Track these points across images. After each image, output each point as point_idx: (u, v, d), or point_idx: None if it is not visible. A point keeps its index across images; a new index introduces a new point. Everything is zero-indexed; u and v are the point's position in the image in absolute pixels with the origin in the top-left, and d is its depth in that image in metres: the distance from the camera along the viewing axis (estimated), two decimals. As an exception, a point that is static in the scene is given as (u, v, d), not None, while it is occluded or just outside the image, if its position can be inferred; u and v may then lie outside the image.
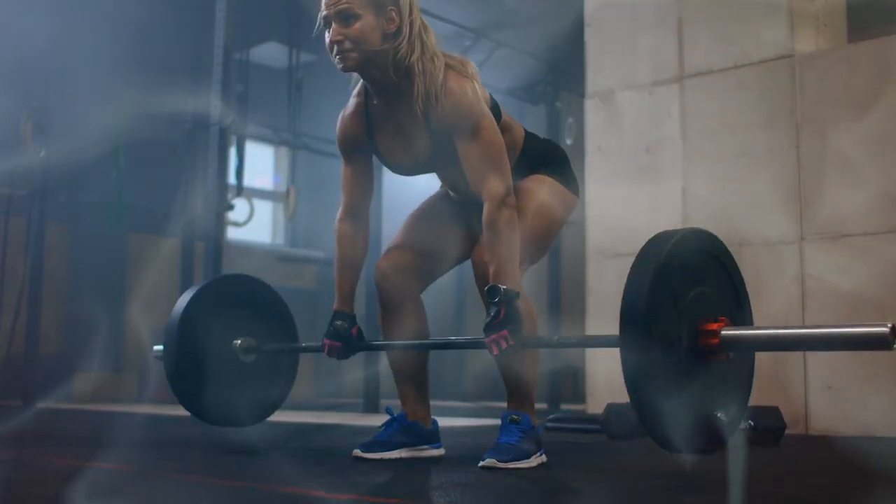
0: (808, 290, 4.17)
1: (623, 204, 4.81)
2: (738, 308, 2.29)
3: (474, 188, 2.52)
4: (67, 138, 7.64)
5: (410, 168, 2.74)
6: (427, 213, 2.91)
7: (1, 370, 7.39)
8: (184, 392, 3.06)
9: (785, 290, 4.22)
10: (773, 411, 3.63)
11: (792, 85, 4.34)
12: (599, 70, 5.08)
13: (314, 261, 10.06)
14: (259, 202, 9.84)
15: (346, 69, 2.54)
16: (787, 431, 3.69)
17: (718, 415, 2.15)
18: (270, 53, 9.62)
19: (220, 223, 5.77)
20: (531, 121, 8.67)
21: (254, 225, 9.00)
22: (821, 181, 4.19)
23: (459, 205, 2.87)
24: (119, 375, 8.31)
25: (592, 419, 4.08)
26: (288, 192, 8.29)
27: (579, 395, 6.97)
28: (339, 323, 2.78)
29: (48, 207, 7.32)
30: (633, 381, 1.97)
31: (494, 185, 2.47)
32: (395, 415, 2.82)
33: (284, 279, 9.56)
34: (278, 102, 8.58)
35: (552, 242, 2.77)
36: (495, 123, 2.55)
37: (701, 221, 4.50)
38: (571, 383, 8.62)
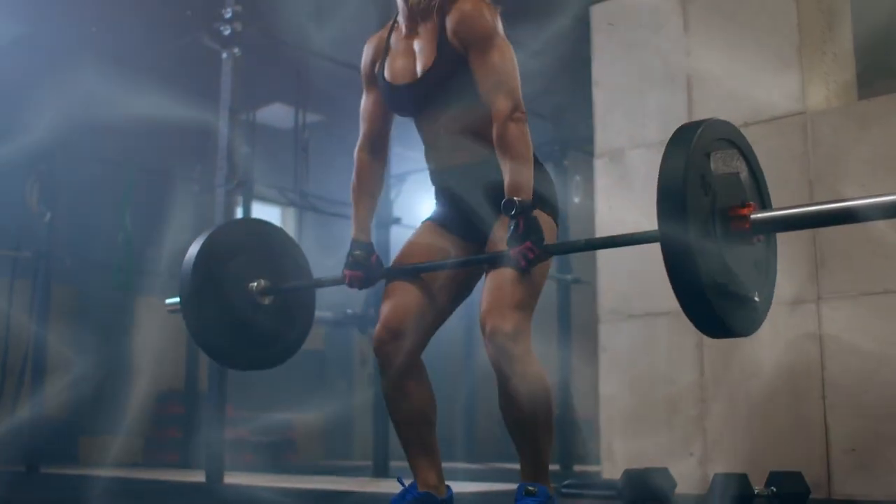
0: (826, 351, 4.08)
1: (635, 264, 4.74)
2: (759, 195, 2.37)
3: (485, 102, 2.57)
4: (74, 201, 7.64)
5: (405, 93, 2.73)
6: (413, 252, 2.80)
7: (4, 434, 7.30)
8: (208, 341, 3.02)
9: (802, 351, 4.13)
10: (796, 476, 3.53)
11: (804, 142, 4.29)
12: (608, 128, 5.05)
13: (322, 321, 9.98)
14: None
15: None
16: (810, 496, 3.59)
17: (755, 297, 2.23)
18: (276, 114, 9.64)
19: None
20: (538, 179, 8.68)
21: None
22: (836, 239, 4.12)
23: (440, 228, 2.80)
24: (125, 439, 8.20)
25: (610, 485, 3.98)
26: (295, 253, 8.23)
27: (591, 454, 6.87)
28: (357, 252, 2.83)
29: (54, 270, 7.28)
30: (677, 268, 2.07)
31: (502, 103, 2.54)
32: (407, 486, 2.74)
33: (292, 340, 9.49)
34: (285, 163, 8.57)
35: (546, 276, 2.67)
36: (508, 44, 2.61)
37: (715, 281, 4.46)
38: (582, 441, 8.50)
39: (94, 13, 6.85)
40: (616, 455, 4.71)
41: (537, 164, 2.71)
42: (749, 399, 4.29)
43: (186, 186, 8.38)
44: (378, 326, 2.71)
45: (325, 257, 9.52)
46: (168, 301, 3.16)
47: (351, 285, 2.84)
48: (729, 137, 2.31)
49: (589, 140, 5.27)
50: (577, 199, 8.44)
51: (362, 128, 2.89)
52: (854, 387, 3.97)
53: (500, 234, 2.56)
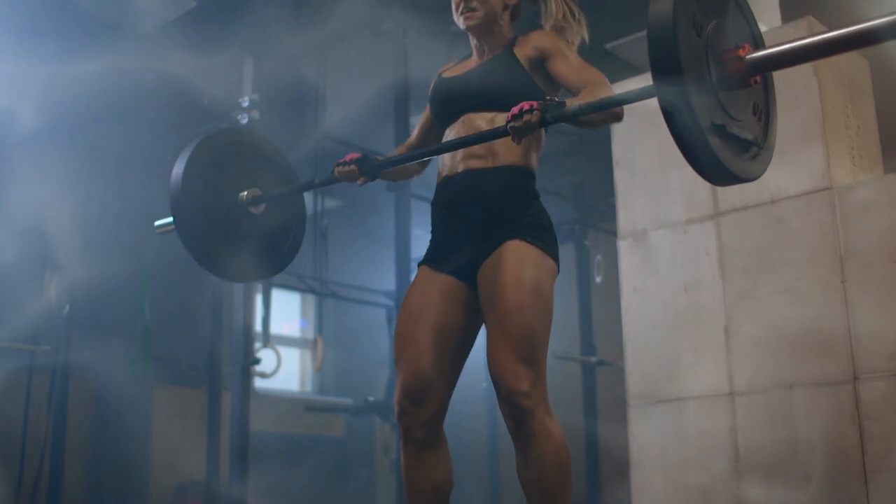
0: (865, 433, 3.93)
1: (663, 347, 4.62)
2: (753, 37, 2.30)
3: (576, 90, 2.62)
4: (92, 292, 7.60)
5: (454, 83, 2.78)
6: (415, 316, 2.69)
7: (23, 530, 7.17)
8: (205, 255, 2.99)
9: (841, 432, 3.98)
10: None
11: (833, 218, 4.19)
12: (630, 209, 4.96)
13: (343, 409, 9.85)
14: (286, 349, 9.69)
15: (468, 25, 2.77)
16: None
17: (756, 141, 2.22)
18: (295, 200, 9.62)
19: (247, 376, 5.63)
20: (559, 260, 8.62)
21: (281, 373, 8.85)
22: (871, 316, 4.00)
23: (434, 273, 2.72)
24: (144, 534, 8.05)
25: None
26: (315, 341, 8.15)
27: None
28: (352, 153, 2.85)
29: (72, 362, 7.23)
30: (673, 113, 2.01)
31: (594, 75, 2.62)
32: None
33: (312, 428, 9.35)
34: (304, 249, 8.50)
35: (552, 316, 2.59)
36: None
37: (747, 362, 4.33)
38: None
39: (111, 102, 6.87)
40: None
41: (538, 200, 2.69)
42: (786, 484, 4.12)
43: (204, 275, 8.32)
44: (397, 394, 2.63)
45: (346, 344, 9.45)
46: (158, 223, 3.15)
47: (341, 178, 2.80)
48: None
49: (609, 217, 5.20)
50: (598, 279, 8.35)
51: (412, 133, 3.01)
52: (897, 472, 3.82)
53: (497, 279, 2.50)
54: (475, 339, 2.74)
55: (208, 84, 5.90)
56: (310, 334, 10.10)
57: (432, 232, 2.79)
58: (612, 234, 5.20)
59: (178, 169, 2.98)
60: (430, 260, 2.76)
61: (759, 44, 2.29)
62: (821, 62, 4.38)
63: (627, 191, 5.00)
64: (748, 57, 2.14)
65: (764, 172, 2.29)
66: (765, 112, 2.33)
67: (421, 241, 7.13)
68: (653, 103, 4.88)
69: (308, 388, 10.74)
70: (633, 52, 6.68)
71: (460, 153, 2.70)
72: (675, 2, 2.02)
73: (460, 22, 2.79)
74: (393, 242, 7.19)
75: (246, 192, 3.04)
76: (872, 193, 4.14)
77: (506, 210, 2.61)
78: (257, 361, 6.12)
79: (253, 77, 6.29)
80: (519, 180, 2.67)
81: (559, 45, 2.69)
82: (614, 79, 4.75)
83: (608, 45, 6.46)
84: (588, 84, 2.57)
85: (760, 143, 2.26)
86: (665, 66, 2.00)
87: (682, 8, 2.02)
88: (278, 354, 7.77)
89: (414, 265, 7.51)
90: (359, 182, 2.79)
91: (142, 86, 6.81)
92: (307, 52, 6.89)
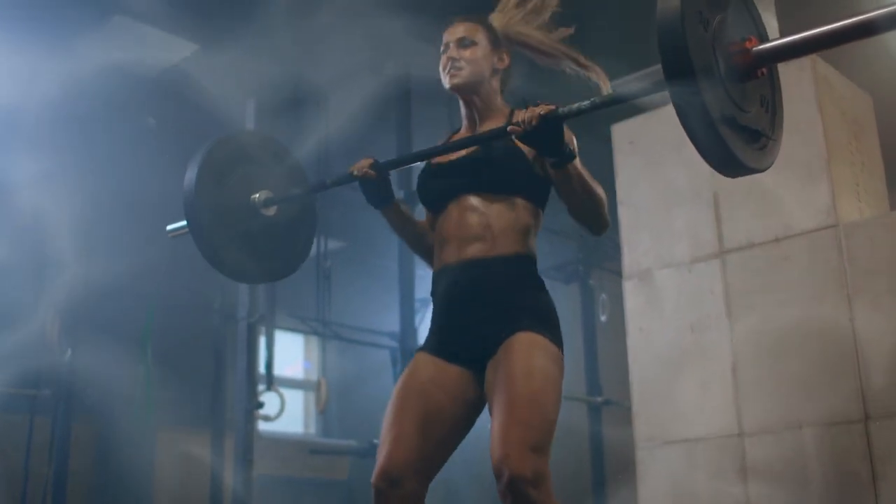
0: (878, 473, 3.87)
1: (670, 387, 4.57)
2: (757, 29, 2.31)
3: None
4: (94, 336, 7.56)
5: (449, 169, 2.67)
6: (404, 402, 2.58)
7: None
8: (219, 258, 2.99)
9: (851, 472, 3.93)
10: None
11: (839, 255, 4.16)
12: (635, 248, 4.92)
13: (348, 451, 9.77)
14: (290, 391, 9.63)
15: (453, 84, 2.71)
16: None
17: (765, 132, 2.26)
18: (298, 241, 9.60)
19: (250, 420, 5.58)
20: (564, 299, 8.57)
21: (285, 414, 8.78)
22: (881, 355, 3.95)
23: (434, 359, 2.60)
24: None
25: None
26: (319, 383, 8.09)
27: None
28: None
29: (73, 407, 7.18)
30: (683, 105, 2.04)
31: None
32: None
33: (316, 471, 9.27)
34: (307, 290, 8.49)
35: (559, 404, 2.48)
36: None
37: (755, 401, 4.28)
38: None
39: (113, 146, 6.88)
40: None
41: (544, 290, 2.60)
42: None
43: (207, 318, 8.30)
44: (374, 476, 2.49)
45: (350, 386, 9.38)
46: (170, 227, 3.15)
47: (354, 174, 2.75)
48: None
49: (613, 257, 5.17)
50: (603, 318, 8.30)
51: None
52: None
53: (505, 367, 2.42)
54: (469, 429, 2.61)
55: (210, 127, 5.88)
56: (314, 376, 10.05)
57: (432, 321, 2.67)
58: (617, 272, 5.16)
59: (190, 172, 2.98)
60: (430, 348, 2.64)
61: (763, 37, 2.31)
62: (824, 98, 4.38)
63: (632, 230, 4.97)
64: (754, 49, 2.18)
65: (773, 163, 2.33)
66: (771, 104, 2.36)
67: (424, 281, 7.12)
68: (653, 139, 4.87)
69: (312, 429, 10.66)
70: (632, 90, 6.65)
71: (456, 239, 2.60)
72: (681, 4, 2.05)
73: (446, 82, 2.73)
74: (397, 283, 7.17)
75: (258, 195, 3.04)
76: (879, 230, 4.10)
77: (512, 306, 2.52)
78: (260, 406, 6.07)
79: (255, 119, 6.29)
80: (523, 271, 2.58)
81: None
82: (604, 119, 4.77)
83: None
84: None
85: (769, 133, 2.30)
86: (675, 59, 2.03)
87: (689, 3, 2.06)
88: (282, 397, 7.71)
89: (419, 305, 7.49)
90: (371, 174, 2.73)
91: (144, 129, 6.82)
92: (309, 95, 6.89)
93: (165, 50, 6.45)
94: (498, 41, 2.75)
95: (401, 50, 6.58)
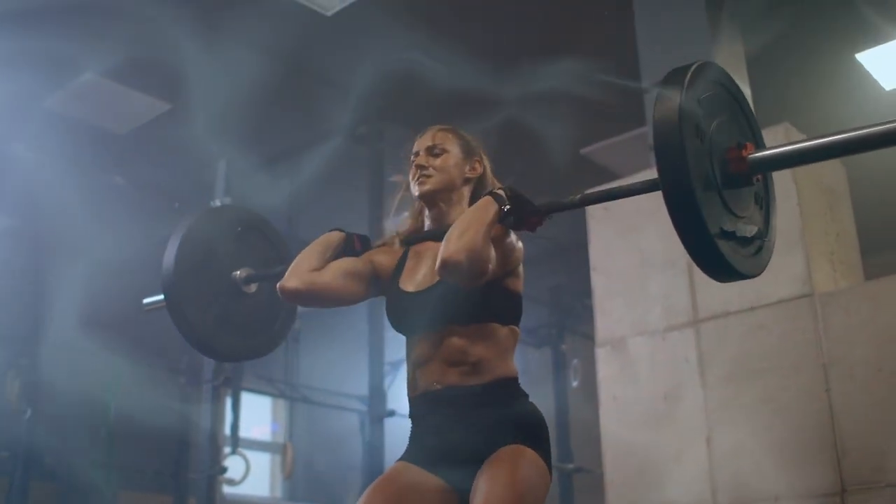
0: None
1: (643, 457, 4.49)
2: (752, 134, 2.31)
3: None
4: (55, 395, 7.42)
5: (421, 299, 2.52)
6: (387, 482, 2.46)
7: None
8: (196, 335, 2.92)
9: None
10: None
11: (815, 324, 4.12)
12: (608, 315, 4.86)
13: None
14: (257, 453, 9.46)
15: (421, 192, 2.61)
16: None
17: (761, 236, 2.27)
18: (267, 302, 9.48)
19: (213, 486, 5.44)
20: (536, 364, 8.51)
21: (251, 477, 8.61)
22: (858, 426, 3.90)
23: (415, 468, 2.46)
24: None
25: None
26: (285, 448, 7.94)
27: None
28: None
29: (33, 467, 7.03)
30: (681, 218, 2.04)
31: None
32: None
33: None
34: (275, 353, 8.36)
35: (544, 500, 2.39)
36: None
37: (730, 474, 4.21)
38: None
39: (80, 204, 6.80)
40: None
41: (524, 396, 2.50)
42: None
43: (173, 378, 8.15)
44: None
45: (318, 448, 9.24)
46: (147, 301, 3.10)
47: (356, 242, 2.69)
48: (717, 80, 2.25)
49: (586, 320, 5.11)
50: (575, 383, 8.23)
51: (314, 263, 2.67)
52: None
53: (488, 473, 2.30)
54: None
55: (180, 186, 5.84)
56: (281, 438, 9.89)
57: (411, 438, 2.56)
58: (589, 336, 5.10)
59: (171, 246, 2.93)
60: (412, 458, 2.51)
61: (758, 140, 2.30)
62: (799, 168, 4.37)
63: (605, 297, 4.91)
64: (750, 157, 2.16)
65: (769, 261, 2.31)
66: (765, 200, 2.35)
67: (394, 343, 7.03)
68: (627, 205, 4.85)
69: (279, 493, 10.46)
70: (607, 157, 6.71)
71: (433, 364, 2.47)
72: (679, 112, 2.04)
73: (414, 190, 2.63)
74: (366, 346, 7.07)
75: (240, 272, 2.99)
76: (855, 300, 4.08)
77: (498, 423, 2.41)
78: (224, 471, 5.92)
79: (225, 180, 6.23)
80: (505, 393, 2.48)
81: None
82: (589, 183, 4.74)
83: (583, 151, 6.47)
84: None
85: (764, 234, 2.29)
86: (672, 174, 2.03)
87: (686, 116, 2.05)
88: (247, 461, 7.56)
89: (388, 368, 7.38)
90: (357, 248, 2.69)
91: (111, 188, 6.74)
92: (280, 156, 6.86)
93: (136, 109, 6.39)
94: (471, 150, 2.67)
95: (374, 114, 6.58)
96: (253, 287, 3.01)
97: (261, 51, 5.70)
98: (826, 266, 4.35)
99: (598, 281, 4.96)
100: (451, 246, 2.27)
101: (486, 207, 2.38)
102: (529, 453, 2.38)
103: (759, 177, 2.24)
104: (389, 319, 2.62)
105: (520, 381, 2.52)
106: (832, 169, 4.72)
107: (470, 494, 2.35)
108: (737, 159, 2.16)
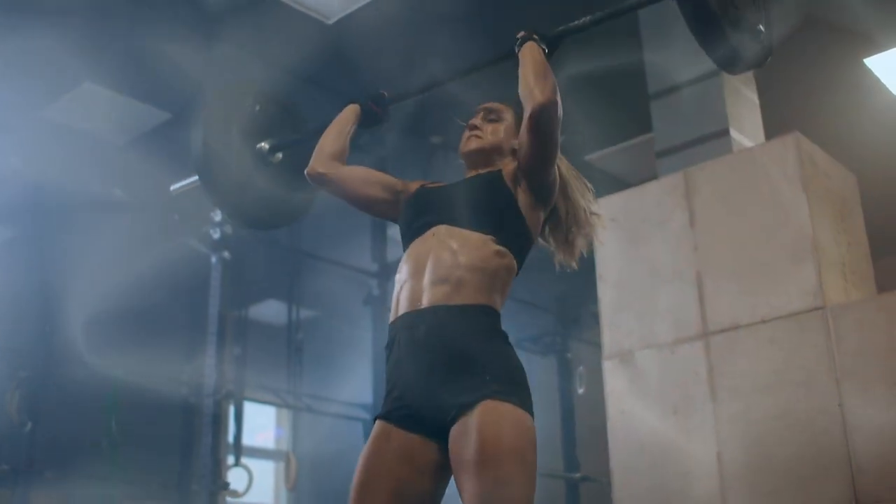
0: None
1: (652, 473, 4.41)
2: None
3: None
4: (56, 407, 7.36)
5: (433, 195, 2.70)
6: (367, 484, 2.40)
7: None
8: (231, 206, 3.19)
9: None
10: None
11: (827, 338, 4.03)
12: (616, 328, 4.77)
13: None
14: (261, 462, 9.40)
15: (469, 149, 2.74)
16: None
17: (759, 27, 2.55)
18: (270, 311, 9.42)
19: (216, 498, 5.38)
20: (541, 372, 8.41)
21: (256, 486, 8.54)
22: (872, 443, 3.82)
23: (394, 429, 2.41)
24: None
25: None
26: (288, 459, 7.85)
27: None
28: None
29: (34, 480, 6.97)
30: (693, 12, 2.39)
31: None
32: None
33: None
34: (278, 361, 8.31)
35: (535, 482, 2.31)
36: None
37: (741, 491, 4.12)
38: None
39: (81, 217, 6.75)
40: None
41: (507, 343, 2.44)
42: None
43: (175, 390, 8.09)
44: None
45: (322, 458, 9.16)
46: (175, 186, 3.28)
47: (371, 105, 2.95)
48: None
49: (591, 326, 5.04)
50: (581, 391, 8.15)
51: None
52: None
53: (467, 424, 2.25)
54: (440, 500, 2.44)
55: (180, 197, 5.76)
56: (284, 446, 9.82)
57: (388, 381, 2.49)
58: (594, 343, 5.01)
59: (196, 128, 3.10)
60: (388, 416, 2.45)
61: None
62: (809, 177, 4.29)
63: (613, 309, 4.82)
64: None
65: (767, 60, 2.58)
66: (762, 2, 2.64)
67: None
68: (634, 216, 4.76)
69: (283, 502, 10.40)
70: (613, 163, 6.64)
71: (417, 277, 2.47)
72: None
73: (463, 146, 2.76)
74: (370, 354, 7.01)
75: (264, 143, 3.15)
76: (868, 313, 3.99)
77: (474, 360, 2.35)
78: (226, 486, 5.85)
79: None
80: (486, 322, 2.43)
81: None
82: (595, 190, 4.67)
83: (588, 157, 6.41)
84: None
85: (763, 29, 2.56)
86: None
87: None
88: (250, 473, 7.48)
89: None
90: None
91: (110, 199, 6.68)
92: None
93: (136, 118, 6.32)
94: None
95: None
96: (278, 156, 3.17)
97: (261, 59, 5.64)
98: (838, 277, 4.26)
99: (605, 292, 4.87)
100: (547, 86, 2.49)
101: (533, 50, 2.62)
102: (511, 413, 2.29)
103: None
104: (403, 214, 2.72)
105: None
106: (842, 178, 4.63)
107: (452, 457, 2.30)
108: None
